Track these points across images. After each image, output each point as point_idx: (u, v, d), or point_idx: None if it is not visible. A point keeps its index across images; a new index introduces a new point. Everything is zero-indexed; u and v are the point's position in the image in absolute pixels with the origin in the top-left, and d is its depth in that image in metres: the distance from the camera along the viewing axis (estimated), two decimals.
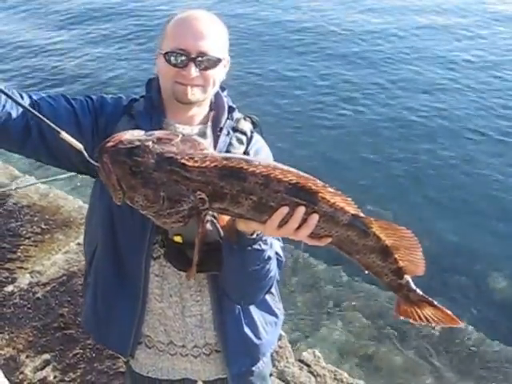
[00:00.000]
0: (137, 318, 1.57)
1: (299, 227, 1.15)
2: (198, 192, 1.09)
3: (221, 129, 1.51)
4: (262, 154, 1.54)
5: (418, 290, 1.29)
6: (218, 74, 1.47)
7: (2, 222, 3.92)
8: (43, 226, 3.89)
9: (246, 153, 1.51)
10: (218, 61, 1.44)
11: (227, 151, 1.48)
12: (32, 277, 3.48)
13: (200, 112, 1.52)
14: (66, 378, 2.85)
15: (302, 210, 1.12)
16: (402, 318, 1.34)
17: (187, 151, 1.09)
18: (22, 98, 1.37)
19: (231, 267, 1.39)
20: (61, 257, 3.63)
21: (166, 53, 1.41)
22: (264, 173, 1.08)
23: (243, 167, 1.08)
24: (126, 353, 1.64)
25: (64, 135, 1.27)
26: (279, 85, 7.61)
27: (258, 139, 1.56)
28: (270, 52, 8.69)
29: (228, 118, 1.54)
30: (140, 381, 1.72)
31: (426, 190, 5.37)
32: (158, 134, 1.13)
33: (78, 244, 3.68)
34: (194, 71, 1.40)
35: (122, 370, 2.79)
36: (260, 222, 1.16)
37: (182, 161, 1.08)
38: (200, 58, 1.40)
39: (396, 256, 1.20)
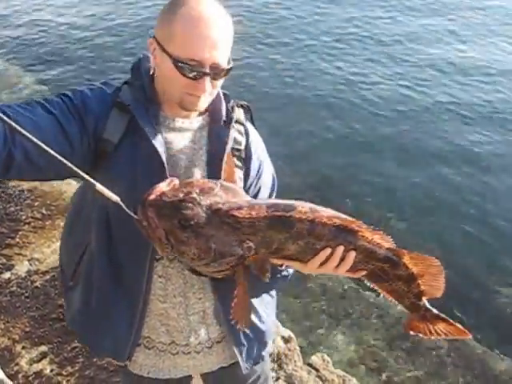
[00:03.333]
0: (137, 321, 1.49)
1: (338, 264, 1.24)
2: (247, 241, 1.11)
3: (224, 121, 1.45)
4: (258, 147, 1.53)
5: (434, 310, 1.36)
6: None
7: (0, 206, 3.78)
8: (44, 212, 3.75)
9: (247, 147, 1.49)
10: (229, 70, 1.37)
11: (232, 148, 1.45)
12: (31, 264, 3.35)
13: None
14: (64, 372, 2.72)
15: (341, 249, 1.20)
16: (412, 333, 1.41)
17: (232, 200, 1.10)
18: None
19: (256, 288, 1.41)
20: None
21: (177, 61, 1.29)
22: (310, 218, 1.13)
23: (291, 216, 1.11)
24: (123, 357, 1.55)
25: (99, 187, 1.16)
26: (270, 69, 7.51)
27: (251, 129, 1.52)
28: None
29: (227, 109, 1.47)
30: (138, 382, 1.62)
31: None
32: (197, 184, 1.12)
33: None
34: (208, 85, 1.32)
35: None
36: (302, 262, 1.22)
37: (233, 212, 1.08)
38: (215, 71, 1.32)
39: (419, 281, 1.30)
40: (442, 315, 1.37)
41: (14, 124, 1.03)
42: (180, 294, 1.48)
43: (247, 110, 1.52)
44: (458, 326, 1.37)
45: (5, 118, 1.03)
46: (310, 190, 5.08)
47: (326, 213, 1.16)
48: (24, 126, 1.11)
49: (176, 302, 1.49)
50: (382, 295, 1.36)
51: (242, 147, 1.48)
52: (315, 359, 2.97)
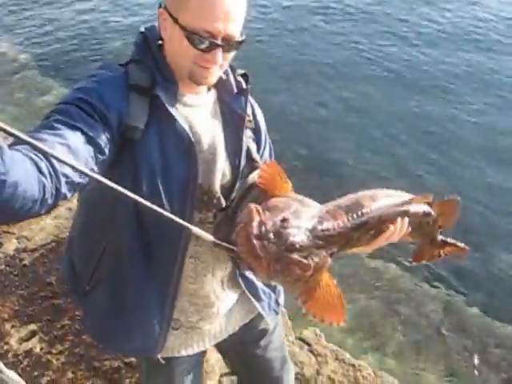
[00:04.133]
0: (168, 309, 1.45)
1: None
2: (333, 248, 1.19)
3: (236, 93, 1.45)
4: (262, 116, 1.56)
5: (444, 237, 1.56)
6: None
7: None
8: None
9: (254, 117, 1.52)
10: (242, 42, 1.33)
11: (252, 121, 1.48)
12: (19, 242, 3.31)
13: None
14: (53, 351, 2.71)
15: (401, 222, 1.31)
16: (422, 262, 1.61)
17: (312, 213, 1.17)
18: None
19: None
20: (50, 222, 3.45)
21: (190, 32, 1.25)
22: (379, 212, 1.25)
23: (367, 216, 1.23)
24: (154, 351, 1.50)
25: (196, 230, 1.13)
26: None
27: (251, 99, 1.53)
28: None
29: (236, 79, 1.46)
30: (166, 365, 1.58)
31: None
32: (280, 205, 1.15)
33: (69, 209, 3.50)
34: (220, 57, 1.29)
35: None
36: (367, 245, 1.33)
37: (324, 228, 1.15)
38: (227, 43, 1.28)
39: (440, 219, 1.48)
40: (450, 240, 1.57)
41: (66, 160, 0.89)
42: (209, 270, 1.48)
43: (246, 79, 1.49)
44: (461, 245, 1.57)
45: (59, 156, 0.88)
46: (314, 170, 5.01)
47: (381, 196, 1.30)
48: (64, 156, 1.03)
49: (206, 281, 1.49)
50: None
51: (252, 118, 1.50)
52: (307, 333, 2.95)
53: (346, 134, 5.69)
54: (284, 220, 1.09)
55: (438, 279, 3.91)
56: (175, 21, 1.27)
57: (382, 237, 1.30)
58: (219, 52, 1.28)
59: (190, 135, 1.32)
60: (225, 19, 1.25)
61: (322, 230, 1.14)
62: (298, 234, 1.09)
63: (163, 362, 1.54)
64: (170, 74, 1.35)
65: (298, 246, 1.08)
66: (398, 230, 1.31)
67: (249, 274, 1.56)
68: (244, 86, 1.47)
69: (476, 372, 3.29)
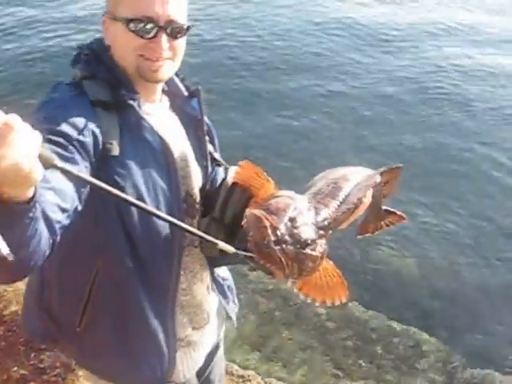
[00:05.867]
0: (170, 326, 1.40)
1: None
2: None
3: (186, 96, 1.44)
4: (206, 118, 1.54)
5: (387, 207, 1.61)
6: (184, 44, 1.34)
7: None
8: None
9: (202, 117, 1.48)
10: (188, 28, 1.31)
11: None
12: None
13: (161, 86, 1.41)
14: None
15: (370, 192, 1.36)
16: (364, 235, 1.63)
17: (315, 207, 1.20)
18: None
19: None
20: None
21: (128, 20, 1.23)
22: (359, 193, 1.31)
23: (354, 201, 1.28)
24: (167, 377, 1.43)
25: (221, 244, 1.12)
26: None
27: None
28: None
29: (182, 82, 1.46)
30: None
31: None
32: (282, 206, 1.15)
33: None
34: (164, 43, 1.26)
35: (40, 365, 2.58)
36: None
37: (325, 217, 1.19)
38: (170, 27, 1.26)
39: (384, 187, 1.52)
40: (391, 209, 1.61)
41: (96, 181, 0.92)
42: (198, 278, 1.47)
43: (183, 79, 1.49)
44: (399, 213, 1.63)
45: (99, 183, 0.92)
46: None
47: (350, 174, 1.34)
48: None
49: (196, 289, 1.47)
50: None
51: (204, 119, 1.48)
52: None
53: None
54: (292, 220, 1.12)
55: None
56: (114, 17, 1.25)
57: (358, 212, 1.33)
58: (163, 37, 1.25)
59: (164, 144, 1.31)
60: (164, 2, 1.23)
61: (322, 221, 1.18)
62: (308, 230, 1.13)
63: None
64: (129, 83, 1.30)
65: (310, 241, 1.12)
66: (368, 202, 1.35)
67: (217, 276, 1.58)
68: (193, 88, 1.45)
69: (366, 370, 3.40)
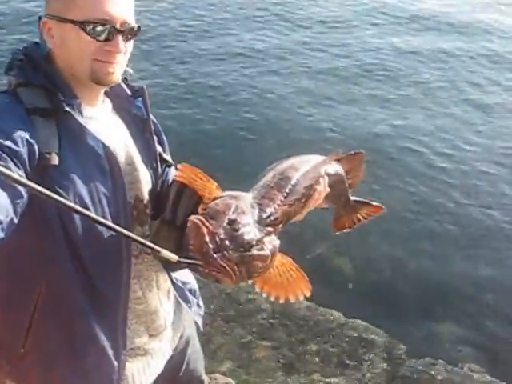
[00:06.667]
0: (121, 338, 1.36)
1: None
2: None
3: (130, 95, 1.41)
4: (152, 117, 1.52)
5: (355, 198, 1.57)
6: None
7: None
8: None
9: (149, 116, 1.45)
10: (139, 29, 1.30)
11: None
12: None
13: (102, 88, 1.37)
14: None
15: (324, 180, 1.36)
16: (344, 230, 1.59)
17: (259, 204, 1.18)
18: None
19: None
20: None
21: (84, 22, 1.20)
22: (307, 182, 1.30)
23: (302, 191, 1.27)
24: None
25: (164, 252, 1.04)
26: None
27: None
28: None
29: (125, 82, 1.43)
30: None
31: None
32: (222, 208, 1.11)
33: None
34: (122, 45, 1.25)
35: None
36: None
37: (272, 219, 1.16)
38: (126, 29, 1.25)
39: (348, 176, 1.49)
40: (362, 199, 1.58)
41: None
42: (153, 285, 1.44)
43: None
44: (375, 203, 1.59)
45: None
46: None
47: (301, 163, 1.34)
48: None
49: (151, 296, 1.44)
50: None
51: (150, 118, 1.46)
52: None
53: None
54: (231, 222, 1.08)
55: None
56: (64, 21, 1.22)
57: (312, 201, 1.33)
58: (120, 39, 1.24)
59: (107, 149, 1.27)
60: (119, 4, 1.23)
61: (268, 217, 1.15)
62: (251, 231, 1.09)
63: None
64: (68, 88, 1.27)
65: (254, 242, 1.08)
66: (323, 190, 1.35)
67: (176, 280, 1.52)
68: (137, 87, 1.43)
69: (312, 364, 3.38)
